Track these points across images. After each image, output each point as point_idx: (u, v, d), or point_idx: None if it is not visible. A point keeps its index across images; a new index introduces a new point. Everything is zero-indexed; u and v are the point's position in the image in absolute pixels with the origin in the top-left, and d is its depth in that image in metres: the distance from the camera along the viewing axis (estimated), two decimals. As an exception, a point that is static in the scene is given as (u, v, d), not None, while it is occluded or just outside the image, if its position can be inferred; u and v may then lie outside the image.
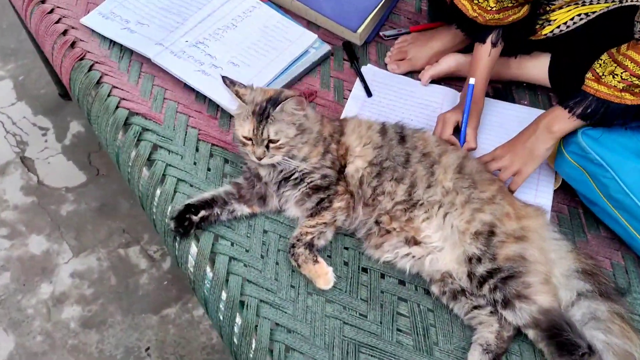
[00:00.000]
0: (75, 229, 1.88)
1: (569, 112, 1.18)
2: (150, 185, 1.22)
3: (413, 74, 1.54)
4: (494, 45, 1.35)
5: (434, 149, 1.22)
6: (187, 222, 1.17)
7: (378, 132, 1.24)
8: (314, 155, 1.20)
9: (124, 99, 1.36)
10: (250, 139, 1.16)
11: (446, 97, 1.47)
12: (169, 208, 1.20)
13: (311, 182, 1.18)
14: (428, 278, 1.15)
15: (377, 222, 1.18)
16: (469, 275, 1.10)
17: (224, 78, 1.20)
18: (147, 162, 1.26)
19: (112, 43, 1.47)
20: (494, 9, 1.30)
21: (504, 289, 1.07)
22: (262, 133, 1.13)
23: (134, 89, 1.38)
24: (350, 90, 1.47)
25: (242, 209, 1.21)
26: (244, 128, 1.15)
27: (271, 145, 1.15)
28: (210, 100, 1.38)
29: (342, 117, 1.40)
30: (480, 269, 1.09)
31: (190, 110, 1.37)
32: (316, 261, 1.12)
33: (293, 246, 1.14)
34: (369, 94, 1.46)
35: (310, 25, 1.59)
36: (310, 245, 1.14)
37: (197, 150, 1.30)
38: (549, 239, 1.15)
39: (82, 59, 1.42)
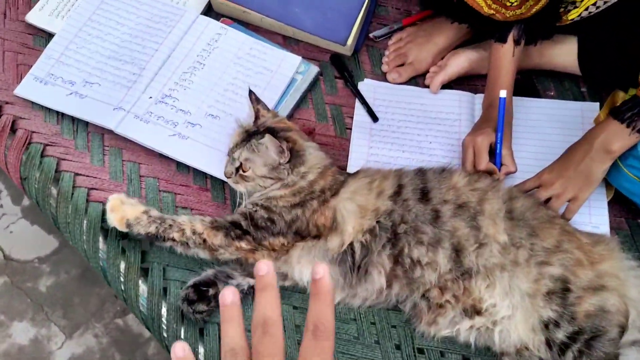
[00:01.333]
0: (61, 306, 1.67)
1: (628, 127, 0.99)
2: (153, 303, 1.02)
3: (417, 78, 1.32)
4: (517, 43, 1.14)
5: (470, 197, 1.02)
6: (203, 302, 1.00)
7: (390, 197, 1.03)
8: (284, 199, 1.02)
9: (93, 188, 1.12)
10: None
11: (463, 103, 1.27)
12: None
13: (250, 209, 1.02)
14: (499, 351, 0.99)
15: (424, 297, 1.00)
16: (548, 344, 0.95)
17: (250, 92, 1.10)
18: (142, 271, 1.04)
19: (61, 114, 1.20)
20: (515, 4, 1.08)
21: (590, 354, 0.92)
22: (236, 152, 1.03)
23: (101, 171, 1.14)
24: (351, 118, 1.26)
25: (248, 282, 1.03)
26: (232, 139, 1.07)
27: (240, 171, 1.03)
28: (195, 168, 1.15)
29: (349, 159, 1.19)
30: (560, 335, 0.94)
31: (175, 185, 1.15)
32: None
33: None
34: (374, 118, 1.25)
35: (286, 41, 1.35)
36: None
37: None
38: (628, 277, 1.00)
39: (28, 144, 1.16)
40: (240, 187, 1.04)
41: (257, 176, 1.02)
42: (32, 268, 1.73)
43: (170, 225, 1.00)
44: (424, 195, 1.03)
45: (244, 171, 1.02)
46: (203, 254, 1.02)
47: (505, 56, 1.15)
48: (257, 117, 1.08)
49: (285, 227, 1.00)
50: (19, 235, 1.77)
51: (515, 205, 1.02)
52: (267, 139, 1.00)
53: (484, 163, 1.10)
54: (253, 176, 1.02)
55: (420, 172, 1.07)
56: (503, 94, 1.11)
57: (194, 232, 0.99)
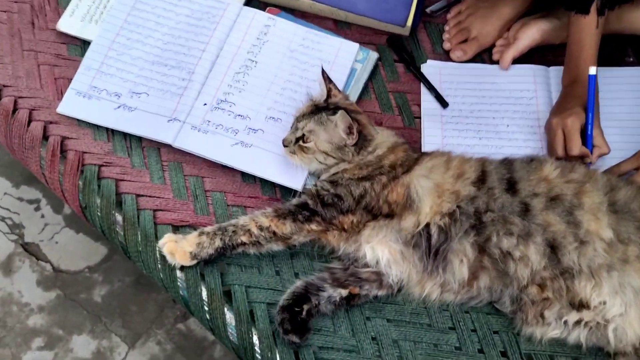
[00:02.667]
0: (119, 315, 1.63)
1: None
2: (243, 331, 0.96)
3: (482, 54, 1.23)
4: (600, 13, 1.04)
5: (565, 190, 0.94)
6: (297, 333, 0.93)
7: (473, 184, 0.96)
8: (350, 172, 0.98)
9: (158, 209, 1.05)
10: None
11: (537, 78, 1.18)
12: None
13: (319, 187, 0.99)
14: (614, 351, 0.93)
15: (522, 293, 0.94)
16: (671, 340, 0.89)
17: (323, 70, 1.06)
18: (225, 296, 0.98)
19: (111, 131, 1.12)
20: None
21: None
22: (301, 122, 1.00)
23: (163, 190, 1.07)
24: (418, 105, 1.17)
25: (339, 293, 0.96)
26: (299, 109, 1.04)
27: (300, 142, 1.00)
28: (262, 178, 1.07)
29: (423, 148, 1.11)
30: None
31: (243, 198, 1.07)
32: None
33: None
34: (443, 104, 1.16)
35: (337, 25, 1.25)
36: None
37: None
38: None
39: (83, 167, 1.09)
40: (295, 159, 1.00)
41: (318, 150, 0.98)
42: (84, 278, 1.68)
43: (234, 231, 0.95)
44: (511, 187, 0.95)
45: (304, 142, 0.99)
46: (277, 247, 0.97)
47: (588, 29, 1.05)
48: (328, 96, 1.04)
49: (353, 203, 0.95)
50: (65, 245, 1.71)
51: (617, 196, 0.94)
52: (340, 115, 0.96)
53: (578, 147, 1.02)
54: (314, 149, 0.98)
55: (507, 162, 0.99)
56: (593, 70, 1.01)
57: (261, 229, 0.94)
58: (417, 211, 0.94)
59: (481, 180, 0.96)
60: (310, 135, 0.99)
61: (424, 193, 0.95)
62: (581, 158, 1.03)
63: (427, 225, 0.94)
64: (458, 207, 0.94)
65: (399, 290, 0.98)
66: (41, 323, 1.63)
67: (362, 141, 0.99)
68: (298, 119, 1.03)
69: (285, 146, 1.02)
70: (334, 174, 1.00)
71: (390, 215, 0.96)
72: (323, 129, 0.99)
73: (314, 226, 0.96)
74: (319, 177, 1.03)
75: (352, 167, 0.99)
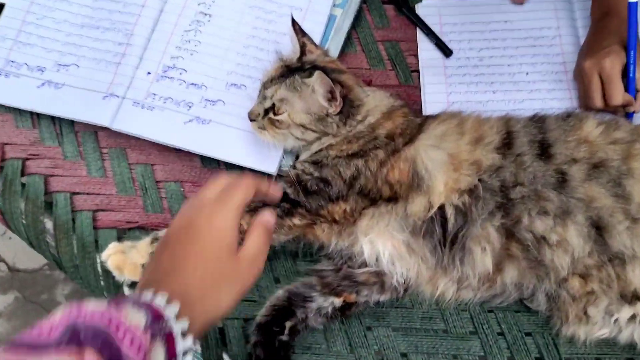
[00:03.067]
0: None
1: None
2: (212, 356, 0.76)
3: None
4: None
5: (611, 154, 0.74)
6: (276, 350, 0.74)
7: (497, 149, 0.75)
8: (336, 148, 0.78)
9: (99, 209, 0.84)
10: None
11: (559, 13, 0.96)
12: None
13: (299, 169, 0.78)
14: (680, 352, 0.73)
15: (560, 287, 0.74)
16: None
17: (294, 21, 0.85)
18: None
19: (36, 115, 0.90)
20: None
21: None
22: (269, 89, 0.80)
23: (104, 184, 0.86)
24: (415, 56, 0.94)
25: (332, 302, 0.77)
26: (266, 73, 0.83)
27: (270, 114, 0.79)
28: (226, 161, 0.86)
29: (424, 111, 0.90)
30: None
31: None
32: None
33: None
34: (446, 52, 0.94)
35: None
36: None
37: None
38: None
39: (2, 163, 0.87)
40: (265, 136, 0.80)
41: (294, 123, 0.78)
42: (44, 277, 1.49)
43: None
44: (544, 151, 0.75)
45: (275, 114, 0.78)
46: None
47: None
48: (302, 53, 0.83)
49: (344, 187, 0.75)
50: (20, 241, 1.51)
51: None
52: (318, 77, 0.75)
53: (620, 94, 0.81)
54: (287, 122, 0.78)
55: (537, 119, 0.79)
56: (637, -4, 0.79)
57: None
58: (428, 191, 0.74)
59: (507, 144, 0.76)
60: (282, 105, 0.78)
61: (436, 168, 0.74)
62: (622, 107, 0.82)
63: (442, 207, 0.73)
64: (480, 180, 0.73)
65: (405, 290, 0.78)
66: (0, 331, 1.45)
67: (349, 108, 0.78)
68: (265, 85, 0.81)
69: (252, 120, 0.81)
70: (316, 152, 0.79)
71: (393, 199, 0.75)
72: (298, 96, 0.78)
73: (296, 220, 0.76)
74: (297, 157, 0.81)
75: (338, 141, 0.78)
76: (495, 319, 0.79)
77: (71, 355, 0.39)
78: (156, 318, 0.46)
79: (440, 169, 0.74)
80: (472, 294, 0.78)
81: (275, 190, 0.66)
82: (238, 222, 0.56)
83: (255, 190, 0.59)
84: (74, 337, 0.41)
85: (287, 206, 0.75)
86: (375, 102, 0.80)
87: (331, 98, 0.76)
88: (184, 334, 0.48)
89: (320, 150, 0.78)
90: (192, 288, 0.52)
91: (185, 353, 0.48)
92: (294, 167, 0.79)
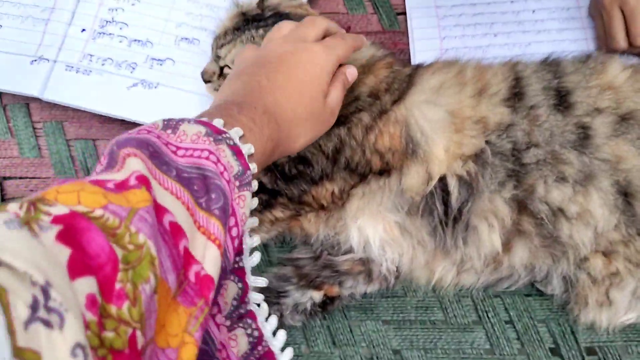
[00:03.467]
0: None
1: None
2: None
3: None
4: None
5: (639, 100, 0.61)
6: None
7: (505, 101, 0.62)
8: None
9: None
10: None
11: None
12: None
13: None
14: None
15: (579, 268, 0.62)
16: None
17: None
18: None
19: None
20: None
21: None
22: (224, 47, 0.67)
23: (39, 166, 0.73)
24: (402, -4, 0.80)
25: (310, 297, 0.65)
26: (219, 24, 0.70)
27: (226, 71, 0.67)
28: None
29: (412, 61, 0.76)
30: None
31: (158, 163, 0.72)
32: None
33: None
34: (437, -12, 0.79)
35: None
36: None
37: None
38: None
39: None
40: None
41: None
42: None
43: None
44: (562, 100, 0.62)
45: None
46: None
47: None
48: None
49: (328, 164, 0.61)
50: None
51: None
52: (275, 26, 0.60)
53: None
54: None
55: (551, 63, 0.65)
56: None
57: None
58: (426, 159, 0.61)
59: (516, 94, 0.62)
60: (232, 62, 0.64)
61: (434, 129, 0.61)
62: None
63: (442, 178, 0.60)
64: (487, 143, 0.60)
65: (397, 278, 0.67)
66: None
67: None
68: (218, 41, 0.67)
69: (206, 82, 0.67)
70: None
71: (385, 172, 0.62)
72: None
73: (278, 212, 0.63)
74: None
75: None
76: (502, 305, 0.67)
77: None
78: (244, 166, 0.42)
79: (439, 131, 0.61)
80: (474, 278, 0.66)
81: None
82: (333, 72, 0.54)
83: (353, 51, 0.58)
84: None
85: (265, 198, 0.62)
86: (353, 54, 0.66)
87: None
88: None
89: None
90: (283, 110, 0.50)
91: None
92: None
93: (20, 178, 0.73)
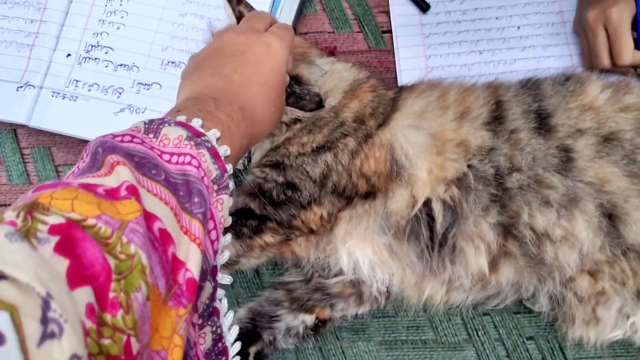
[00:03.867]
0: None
1: None
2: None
3: None
4: None
5: (622, 123, 0.62)
6: None
7: (486, 125, 0.63)
8: (297, 142, 0.64)
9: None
10: None
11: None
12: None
13: (258, 178, 0.64)
14: None
15: (566, 288, 0.63)
16: None
17: None
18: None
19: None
20: None
21: None
22: None
23: (28, 192, 0.72)
24: (387, 13, 0.80)
25: (302, 320, 0.66)
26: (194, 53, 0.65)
27: None
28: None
29: (399, 79, 0.76)
30: None
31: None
32: None
33: None
34: (423, 6, 0.79)
35: None
36: None
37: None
38: None
39: None
40: None
41: None
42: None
43: None
44: (543, 122, 0.62)
45: None
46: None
47: None
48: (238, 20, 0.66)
49: (316, 189, 0.62)
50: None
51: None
52: None
53: (630, 51, 0.68)
54: None
55: (530, 85, 0.66)
56: None
57: None
58: (410, 181, 0.61)
59: (497, 118, 0.63)
60: None
61: (417, 152, 0.62)
62: (634, 68, 0.69)
63: (427, 203, 0.61)
64: (470, 167, 0.61)
65: (387, 298, 0.67)
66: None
67: (300, 90, 0.64)
68: None
69: None
70: (273, 151, 0.65)
71: (370, 195, 0.62)
72: None
73: (268, 238, 0.63)
74: (249, 160, 0.67)
75: (296, 132, 0.64)
76: (491, 322, 0.68)
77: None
78: (221, 170, 0.43)
79: (421, 154, 0.62)
80: (463, 296, 0.67)
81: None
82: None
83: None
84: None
85: (254, 223, 0.62)
86: (334, 81, 0.66)
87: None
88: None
89: (278, 147, 0.65)
90: (255, 106, 0.51)
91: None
92: (251, 173, 0.65)
93: (10, 205, 0.72)
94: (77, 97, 0.72)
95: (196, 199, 0.39)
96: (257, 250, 0.63)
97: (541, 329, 0.68)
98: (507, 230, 0.61)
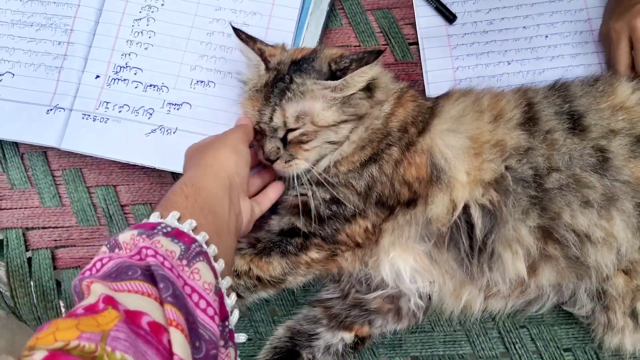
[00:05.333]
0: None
1: None
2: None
3: None
4: None
5: None
6: None
7: (520, 126, 0.63)
8: (347, 162, 0.63)
9: (59, 246, 0.72)
10: (261, 130, 0.65)
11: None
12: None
13: (303, 195, 0.64)
14: None
15: (603, 284, 0.63)
16: None
17: (236, 30, 0.67)
18: None
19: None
20: None
21: None
22: (270, 118, 0.63)
23: (62, 215, 0.73)
24: (413, 25, 0.80)
25: (341, 338, 0.66)
26: (249, 107, 0.66)
27: (291, 136, 0.63)
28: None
29: (427, 90, 0.76)
30: None
31: (179, 207, 0.73)
32: None
33: None
34: (448, 17, 0.79)
35: None
36: None
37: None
38: None
39: (-62, 198, 0.74)
40: (298, 166, 0.64)
41: (327, 127, 0.63)
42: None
43: None
44: (576, 123, 0.63)
45: (300, 134, 0.63)
46: (267, 294, 0.65)
47: None
48: (266, 61, 0.66)
49: (360, 201, 0.63)
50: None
51: None
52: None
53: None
54: (317, 131, 0.63)
55: (559, 87, 0.67)
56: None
57: (238, 275, 0.62)
58: (450, 184, 0.62)
59: (530, 119, 0.64)
60: (302, 119, 0.62)
61: (455, 155, 0.62)
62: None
63: (466, 208, 0.61)
64: (507, 168, 0.61)
65: (425, 312, 0.67)
66: (-12, 351, 1.35)
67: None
68: (261, 117, 0.64)
69: (274, 161, 0.64)
70: (324, 170, 0.64)
71: (412, 203, 0.63)
72: (313, 98, 0.62)
73: (314, 254, 0.63)
74: (295, 178, 0.66)
75: (352, 151, 0.64)
76: (528, 335, 0.68)
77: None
78: (188, 243, 0.47)
79: (460, 156, 0.62)
80: (502, 303, 0.67)
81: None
82: (237, 158, 0.59)
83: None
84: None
85: (299, 241, 0.63)
86: (388, 81, 0.67)
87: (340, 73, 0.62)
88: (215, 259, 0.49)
89: (328, 167, 0.64)
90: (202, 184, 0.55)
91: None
92: (296, 194, 0.64)
93: (43, 228, 0.73)
94: (108, 118, 0.72)
95: (161, 285, 0.41)
96: (303, 268, 0.64)
97: (578, 340, 0.68)
98: (548, 233, 0.61)
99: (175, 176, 0.74)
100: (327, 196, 0.63)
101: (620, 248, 0.61)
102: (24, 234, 0.72)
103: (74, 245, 0.72)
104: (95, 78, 0.74)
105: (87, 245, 0.72)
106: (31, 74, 0.75)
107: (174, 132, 0.72)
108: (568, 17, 0.78)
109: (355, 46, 0.79)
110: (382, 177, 0.63)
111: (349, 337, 0.66)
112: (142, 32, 0.75)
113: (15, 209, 0.73)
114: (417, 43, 0.79)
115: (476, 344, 0.68)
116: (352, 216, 0.63)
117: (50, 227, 0.73)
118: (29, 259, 0.71)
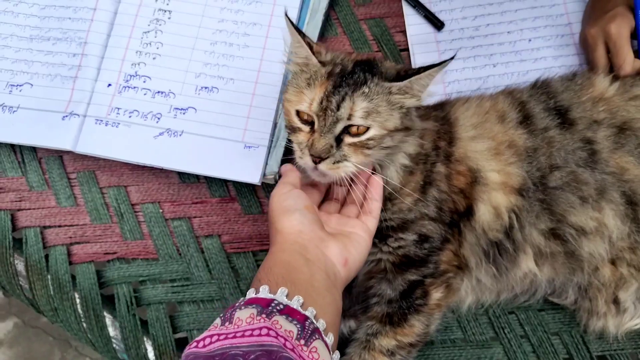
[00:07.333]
0: (93, 335, 1.38)
1: None
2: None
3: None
4: None
5: (633, 111, 0.67)
6: None
7: (521, 124, 0.68)
8: (407, 191, 0.65)
9: (74, 242, 0.77)
10: (307, 120, 0.61)
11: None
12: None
13: (399, 247, 0.65)
14: None
15: (592, 277, 0.67)
16: None
17: (290, 22, 0.62)
18: (179, 352, 0.72)
19: (-8, 143, 0.82)
20: None
21: None
22: (337, 106, 0.59)
23: (76, 214, 0.78)
24: (403, 32, 0.85)
25: (349, 325, 0.70)
26: (304, 97, 0.61)
27: (348, 138, 0.60)
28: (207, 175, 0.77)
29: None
30: None
31: (186, 205, 0.78)
32: None
33: None
34: (436, 24, 0.84)
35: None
36: None
37: (235, 275, 0.74)
38: None
39: (-38, 200, 0.79)
40: (347, 168, 0.60)
41: (388, 133, 0.61)
42: (44, 299, 1.41)
43: None
44: (564, 117, 0.67)
45: (359, 134, 0.60)
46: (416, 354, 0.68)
47: None
48: (315, 53, 0.64)
49: (439, 225, 0.65)
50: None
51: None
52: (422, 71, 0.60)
53: (630, 62, 0.72)
54: (381, 134, 0.60)
55: (540, 85, 0.71)
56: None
57: (392, 354, 0.64)
58: (487, 184, 0.66)
59: (526, 117, 0.68)
60: (368, 118, 0.60)
61: (483, 157, 0.66)
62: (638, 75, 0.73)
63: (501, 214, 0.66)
64: (527, 172, 0.66)
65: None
66: (2, 359, 1.39)
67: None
68: (316, 120, 0.61)
69: (323, 159, 0.60)
70: (392, 211, 0.66)
71: (469, 212, 0.66)
72: (382, 100, 0.60)
73: (437, 294, 0.66)
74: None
75: (402, 178, 0.66)
76: (517, 320, 0.72)
77: None
78: (301, 321, 0.48)
79: (487, 157, 0.66)
80: (493, 297, 0.71)
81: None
82: (298, 216, 0.59)
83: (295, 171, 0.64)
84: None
85: (419, 292, 0.65)
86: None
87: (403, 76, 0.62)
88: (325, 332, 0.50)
89: (392, 203, 0.66)
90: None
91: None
92: (391, 251, 0.66)
93: (60, 226, 0.78)
94: (119, 123, 0.78)
95: None
96: (436, 312, 0.66)
97: (565, 324, 0.71)
98: (556, 234, 0.65)
99: (181, 175, 0.78)
100: (414, 237, 0.65)
101: (611, 235, 0.65)
102: (41, 232, 0.77)
103: (88, 242, 0.76)
104: (107, 86, 0.80)
105: (100, 242, 0.76)
106: (48, 84, 0.81)
107: (180, 135, 0.77)
108: (550, 21, 0.82)
109: (349, 53, 0.84)
110: (443, 195, 0.65)
111: (354, 324, 0.70)
112: (150, 44, 0.81)
113: (34, 209, 0.78)
114: (407, 49, 0.84)
115: (467, 330, 0.72)
116: (442, 243, 0.65)
117: (65, 226, 0.78)
118: (46, 255, 0.76)
